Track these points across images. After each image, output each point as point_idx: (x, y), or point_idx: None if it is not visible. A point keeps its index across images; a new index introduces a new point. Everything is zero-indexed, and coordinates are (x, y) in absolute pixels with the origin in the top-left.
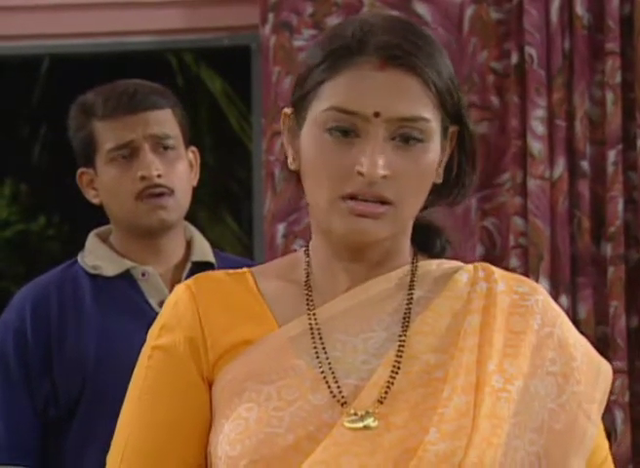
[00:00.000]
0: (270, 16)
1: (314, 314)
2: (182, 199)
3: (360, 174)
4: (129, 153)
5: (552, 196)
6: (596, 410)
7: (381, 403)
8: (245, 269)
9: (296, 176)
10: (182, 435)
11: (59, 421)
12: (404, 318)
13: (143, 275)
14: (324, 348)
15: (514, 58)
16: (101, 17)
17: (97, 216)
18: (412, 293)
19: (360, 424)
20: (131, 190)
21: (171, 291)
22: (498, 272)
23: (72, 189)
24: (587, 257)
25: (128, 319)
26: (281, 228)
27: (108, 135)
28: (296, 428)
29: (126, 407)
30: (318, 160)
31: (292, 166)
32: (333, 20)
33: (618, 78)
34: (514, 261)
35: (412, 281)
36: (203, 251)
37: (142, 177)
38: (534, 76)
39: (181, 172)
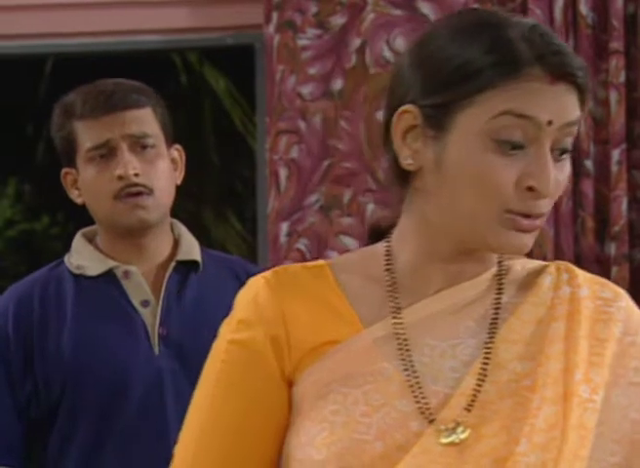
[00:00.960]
0: (274, 15)
1: (400, 316)
2: (163, 198)
3: (531, 189)
4: (107, 152)
5: None
6: None
7: (469, 411)
8: (322, 262)
9: (400, 176)
10: (259, 433)
11: (41, 420)
12: (491, 324)
13: (126, 274)
14: (411, 353)
15: None
16: (106, 16)
17: None
18: (499, 299)
19: (452, 438)
20: (109, 190)
21: (153, 290)
22: (581, 275)
23: None
24: (591, 257)
25: (109, 319)
26: (284, 227)
27: (87, 134)
28: (384, 436)
29: (198, 401)
30: (483, 172)
31: (410, 166)
32: (337, 20)
33: (622, 77)
34: None
35: (500, 284)
36: (189, 249)
37: (120, 177)
38: None
39: (162, 170)
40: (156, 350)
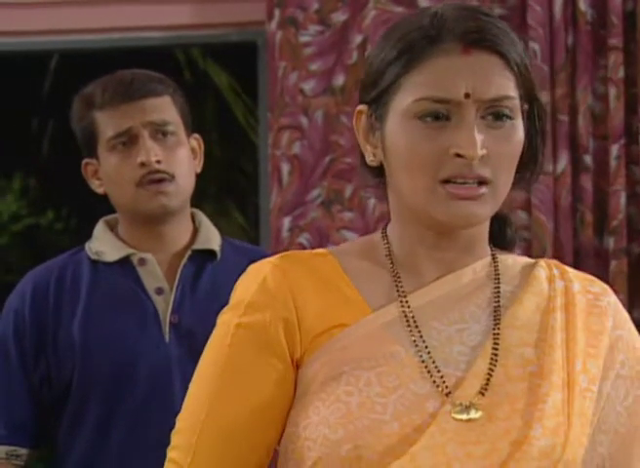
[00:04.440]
0: (276, 11)
1: (407, 300)
2: (184, 184)
3: (458, 155)
4: (128, 140)
5: (555, 190)
6: None
7: (483, 395)
8: (324, 249)
9: (373, 172)
10: (268, 415)
11: (54, 402)
12: (495, 311)
13: (141, 261)
14: (421, 336)
15: None
16: (110, 13)
17: (105, 210)
18: (499, 287)
19: (465, 416)
20: (131, 177)
21: (168, 278)
22: (570, 271)
23: (80, 183)
24: (590, 251)
25: (121, 305)
26: (287, 222)
27: (107, 123)
28: (400, 416)
29: (202, 383)
30: (410, 147)
31: (372, 163)
32: (338, 17)
33: (620, 73)
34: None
35: (497, 274)
36: (207, 238)
37: (142, 164)
38: (537, 71)
39: (182, 157)
40: (167, 337)
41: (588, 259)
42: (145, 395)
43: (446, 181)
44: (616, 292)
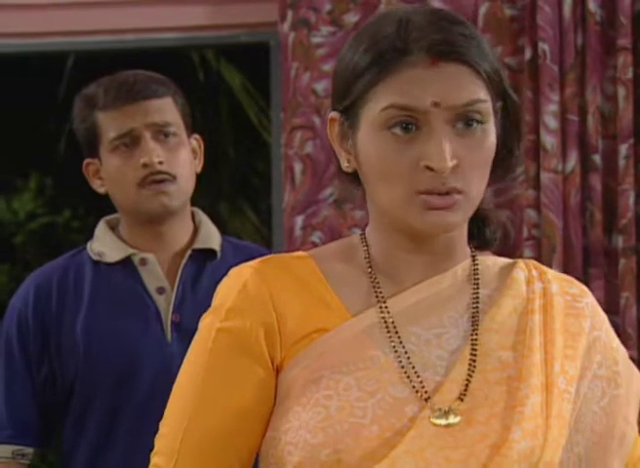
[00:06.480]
0: (289, 13)
1: (386, 305)
2: (185, 185)
3: (429, 168)
4: (131, 142)
5: (565, 189)
6: (633, 413)
7: (462, 400)
8: (303, 252)
9: (350, 177)
10: (250, 420)
11: (58, 403)
12: (473, 316)
13: (143, 261)
14: (400, 341)
15: (528, 54)
16: (125, 14)
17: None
18: (477, 291)
19: (444, 421)
20: (134, 178)
21: (169, 277)
22: (549, 272)
23: None
24: (599, 249)
25: (123, 305)
26: (299, 221)
27: (110, 124)
28: (380, 420)
29: (184, 387)
30: (382, 160)
31: (347, 168)
32: (350, 18)
33: (629, 74)
34: (527, 253)
35: (476, 278)
36: (207, 238)
37: (144, 165)
38: (547, 71)
39: (183, 158)
40: (169, 336)
41: (597, 258)
42: (149, 393)
43: (418, 192)
44: (624, 289)
